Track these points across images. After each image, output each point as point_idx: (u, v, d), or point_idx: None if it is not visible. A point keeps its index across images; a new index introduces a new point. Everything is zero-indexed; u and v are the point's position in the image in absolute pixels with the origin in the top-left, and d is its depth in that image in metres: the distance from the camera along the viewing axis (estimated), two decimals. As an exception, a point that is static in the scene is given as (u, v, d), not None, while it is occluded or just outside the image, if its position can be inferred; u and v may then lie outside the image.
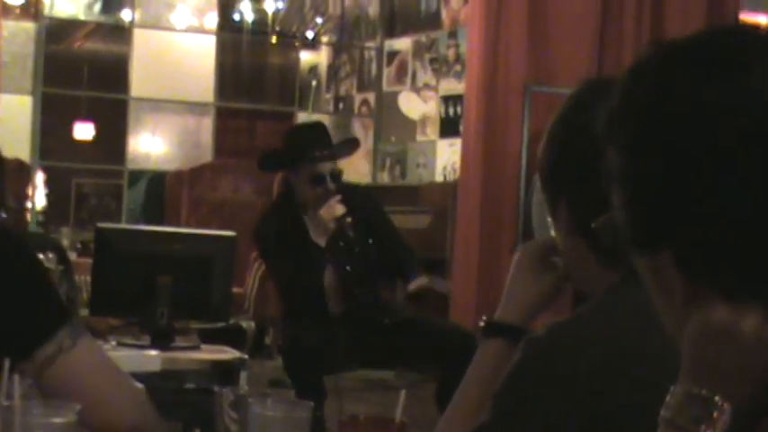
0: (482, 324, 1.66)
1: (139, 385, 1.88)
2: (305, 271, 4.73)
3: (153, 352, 4.04)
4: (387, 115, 8.25)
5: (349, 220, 4.76)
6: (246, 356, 4.41)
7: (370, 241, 4.88)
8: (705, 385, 0.99)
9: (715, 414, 0.98)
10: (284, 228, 4.84)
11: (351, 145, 5.26)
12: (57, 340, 1.77)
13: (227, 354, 4.29)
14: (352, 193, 4.91)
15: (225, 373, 4.11)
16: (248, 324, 7.00)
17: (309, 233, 4.81)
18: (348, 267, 4.80)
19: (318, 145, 4.85)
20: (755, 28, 1.05)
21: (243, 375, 4.19)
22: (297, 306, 4.88)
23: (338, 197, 4.80)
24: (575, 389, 1.38)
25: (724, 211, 0.98)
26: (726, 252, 0.99)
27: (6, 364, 1.44)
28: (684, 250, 1.01)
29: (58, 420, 1.45)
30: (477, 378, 1.63)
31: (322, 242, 4.76)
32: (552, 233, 1.61)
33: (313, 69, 8.81)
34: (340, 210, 4.76)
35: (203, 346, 4.32)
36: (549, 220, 1.63)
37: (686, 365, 1.01)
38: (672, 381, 1.02)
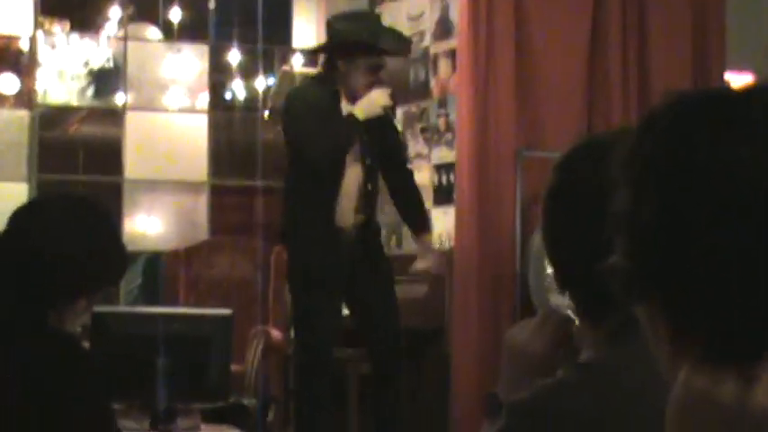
0: (487, 401, 1.63)
1: None
2: (332, 135, 4.92)
3: (154, 435, 3.98)
4: (380, 186, 8.22)
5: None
6: (249, 435, 4.35)
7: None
8: None
9: None
10: (319, 96, 5.01)
11: (407, 45, 5.48)
12: None
13: (229, 434, 4.22)
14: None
15: (227, 453, 4.05)
16: (250, 402, 6.92)
17: (342, 109, 5.06)
18: (368, 161, 5.08)
19: (385, 36, 5.17)
20: (756, 90, 1.04)
21: (245, 455, 4.15)
22: (319, 164, 5.01)
23: (389, 90, 4.95)
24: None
25: (709, 272, 0.97)
26: (707, 311, 0.97)
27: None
28: (669, 304, 1.00)
29: None
30: None
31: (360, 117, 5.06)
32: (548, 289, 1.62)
33: (305, 144, 8.80)
34: (389, 101, 4.96)
35: (204, 426, 4.26)
36: (546, 273, 1.64)
37: None
38: None
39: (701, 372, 0.95)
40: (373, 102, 5.02)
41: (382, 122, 5.19)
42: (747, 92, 1.05)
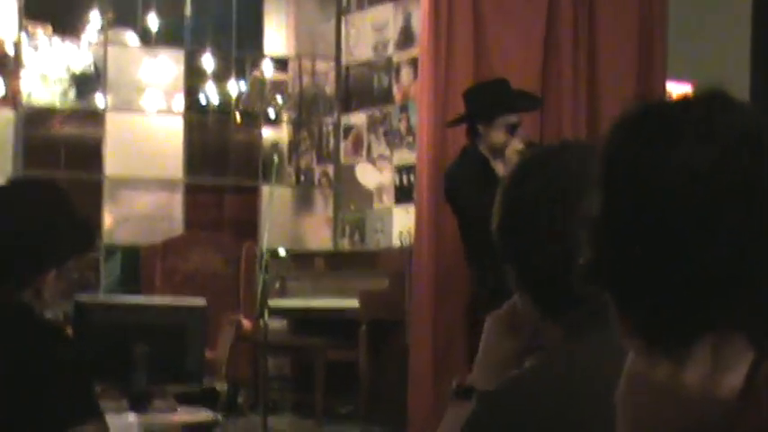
0: (454, 387, 1.68)
1: None
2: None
3: (132, 415, 4.02)
4: (345, 185, 8.29)
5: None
6: (220, 416, 4.41)
7: None
8: None
9: None
10: (475, 169, 5.32)
11: (535, 102, 5.79)
12: (82, 430, 1.80)
13: (202, 415, 4.27)
14: None
15: (200, 432, 4.09)
16: (222, 386, 6.96)
17: (497, 174, 5.32)
18: None
19: (517, 99, 5.54)
20: (692, 100, 1.06)
21: (216, 434, 4.19)
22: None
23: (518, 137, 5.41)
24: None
25: (643, 265, 1.00)
26: (642, 300, 1.00)
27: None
28: (616, 295, 1.03)
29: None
30: None
31: None
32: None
33: (275, 145, 8.85)
34: (520, 144, 5.36)
35: (180, 408, 4.31)
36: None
37: (618, 416, 1.02)
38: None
39: (641, 356, 0.99)
40: (510, 158, 5.27)
41: None
42: (685, 102, 1.07)
